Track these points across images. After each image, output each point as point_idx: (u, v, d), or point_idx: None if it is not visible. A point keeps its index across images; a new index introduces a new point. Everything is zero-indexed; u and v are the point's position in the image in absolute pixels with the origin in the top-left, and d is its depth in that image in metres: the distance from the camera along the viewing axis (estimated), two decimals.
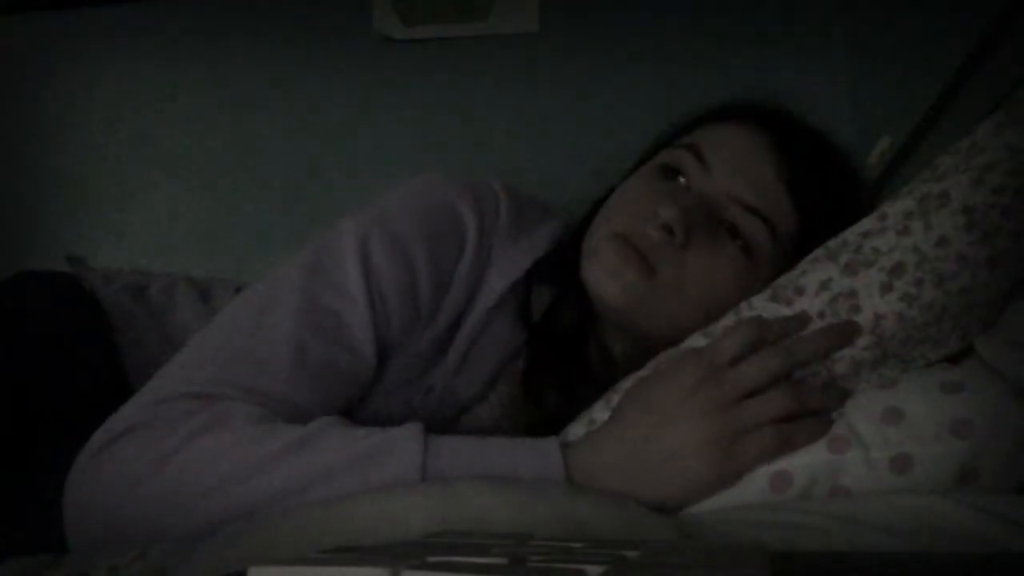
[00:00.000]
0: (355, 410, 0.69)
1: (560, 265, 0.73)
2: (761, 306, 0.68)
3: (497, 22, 1.78)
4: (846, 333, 0.62)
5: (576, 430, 0.69)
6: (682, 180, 0.72)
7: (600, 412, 0.69)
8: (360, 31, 1.80)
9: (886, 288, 0.64)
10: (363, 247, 0.66)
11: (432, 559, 0.30)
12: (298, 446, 0.57)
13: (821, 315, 0.65)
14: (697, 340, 0.70)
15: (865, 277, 0.65)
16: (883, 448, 0.59)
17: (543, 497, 0.56)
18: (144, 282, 0.88)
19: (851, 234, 0.68)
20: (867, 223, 0.68)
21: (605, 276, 0.69)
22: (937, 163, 0.68)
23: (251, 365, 0.61)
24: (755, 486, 0.61)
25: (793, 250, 0.71)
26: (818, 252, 0.69)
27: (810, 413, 0.61)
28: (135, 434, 0.59)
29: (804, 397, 0.61)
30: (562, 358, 0.74)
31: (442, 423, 0.74)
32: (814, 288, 0.67)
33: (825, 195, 0.72)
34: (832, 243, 0.69)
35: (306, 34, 1.83)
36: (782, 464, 0.61)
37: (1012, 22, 0.90)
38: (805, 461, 0.61)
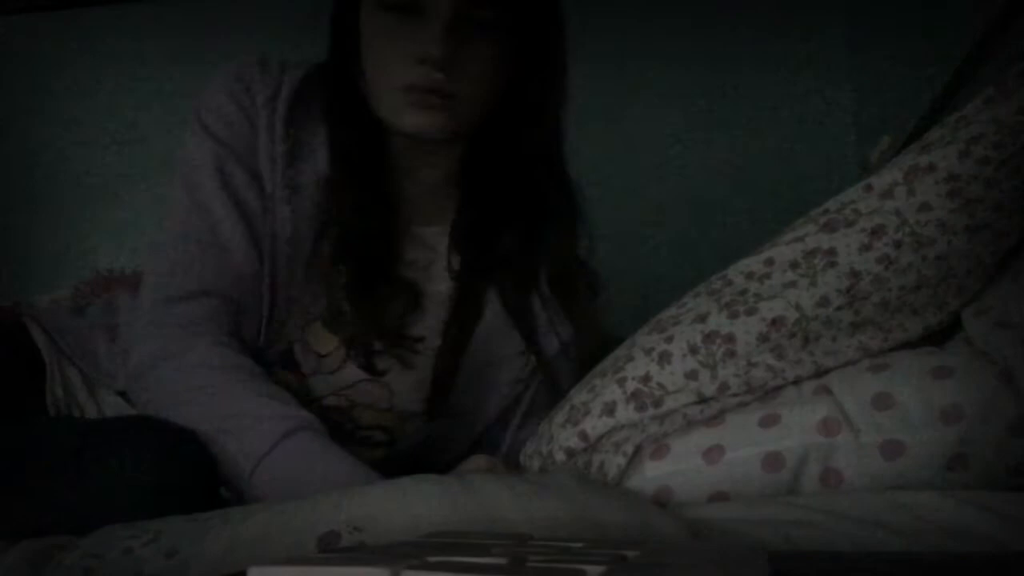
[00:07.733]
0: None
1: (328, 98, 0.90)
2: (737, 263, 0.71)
3: None
4: None
5: (556, 416, 0.74)
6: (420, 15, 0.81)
7: (578, 396, 0.73)
8: None
9: (865, 248, 0.65)
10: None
11: (432, 559, 0.30)
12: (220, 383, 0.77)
13: (794, 265, 0.67)
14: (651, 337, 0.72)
15: (845, 235, 0.66)
16: (874, 433, 0.60)
17: (554, 492, 0.56)
18: (85, 301, 1.01)
19: (833, 203, 0.70)
20: (852, 193, 0.69)
21: (422, 122, 0.81)
22: (925, 136, 0.69)
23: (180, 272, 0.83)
24: (744, 468, 0.62)
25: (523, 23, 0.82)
26: (799, 220, 0.71)
27: None
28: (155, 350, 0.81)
29: None
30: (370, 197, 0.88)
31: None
32: (788, 239, 0.69)
33: None
34: (813, 212, 0.71)
35: (306, 34, 1.82)
36: (773, 445, 0.62)
37: (1012, 22, 0.90)
38: (797, 442, 0.61)
